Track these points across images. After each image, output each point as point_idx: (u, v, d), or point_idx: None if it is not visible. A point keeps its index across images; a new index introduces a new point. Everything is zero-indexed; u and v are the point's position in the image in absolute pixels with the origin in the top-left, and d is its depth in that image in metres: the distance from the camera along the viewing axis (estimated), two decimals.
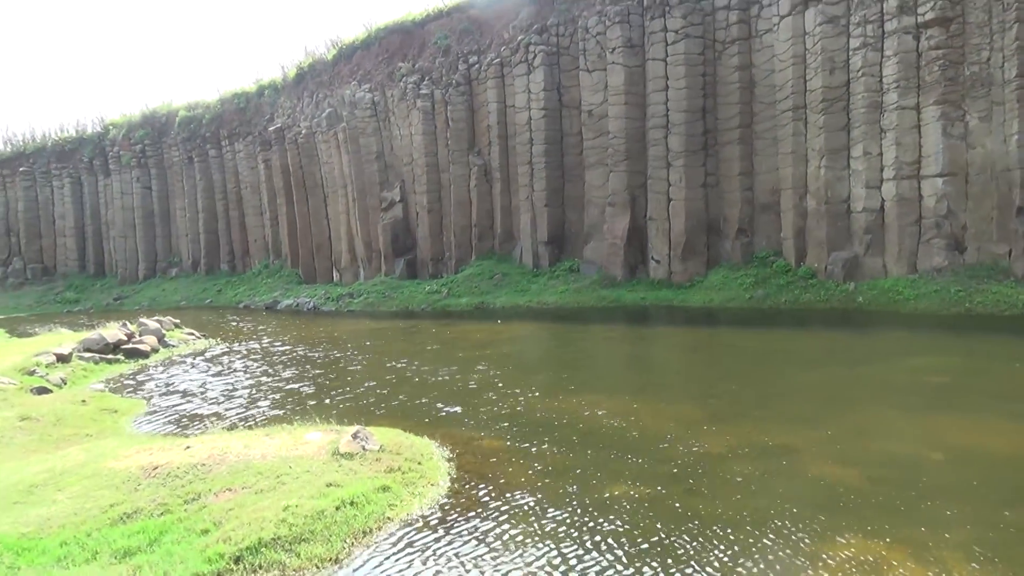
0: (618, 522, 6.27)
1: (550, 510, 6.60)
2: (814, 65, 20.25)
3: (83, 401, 12.26)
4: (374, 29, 32.45)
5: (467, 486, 7.28)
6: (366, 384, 12.98)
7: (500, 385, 11.96)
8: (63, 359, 15.95)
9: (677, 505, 6.57)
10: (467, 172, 27.95)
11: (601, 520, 6.33)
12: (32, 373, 14.55)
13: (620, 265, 23.61)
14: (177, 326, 21.63)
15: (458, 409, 10.59)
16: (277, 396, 12.55)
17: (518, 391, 11.45)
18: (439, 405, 10.93)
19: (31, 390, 13.36)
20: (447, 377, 13.04)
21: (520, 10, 26.96)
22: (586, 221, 25.15)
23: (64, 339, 18.42)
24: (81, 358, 16.53)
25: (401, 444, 8.20)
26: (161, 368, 16.45)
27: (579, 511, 6.55)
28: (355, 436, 7.93)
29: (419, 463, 7.71)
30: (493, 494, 7.04)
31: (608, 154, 24.15)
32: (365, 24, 34.05)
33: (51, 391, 13.56)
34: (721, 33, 22.60)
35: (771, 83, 21.75)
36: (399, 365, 14.72)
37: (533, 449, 8.44)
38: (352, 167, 30.96)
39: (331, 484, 6.73)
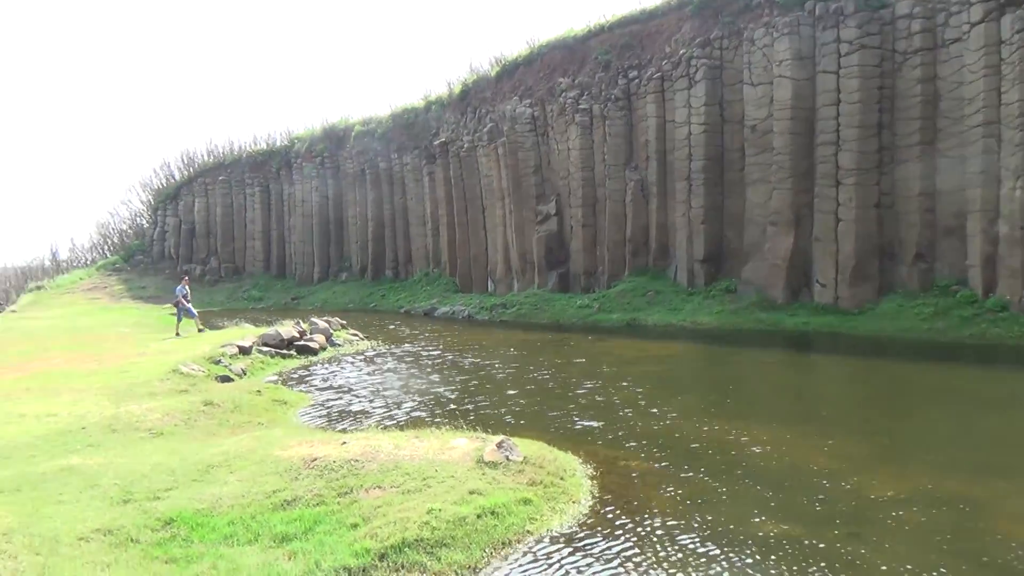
0: (765, 563, 5.95)
1: (693, 541, 6.37)
2: (1011, 76, 18.30)
3: (258, 392, 13.35)
4: (536, 46, 33.12)
5: (608, 507, 7.19)
6: (512, 393, 13.18)
7: (647, 404, 11.73)
8: (244, 351, 17.48)
9: (829, 550, 6.13)
10: (623, 187, 27.76)
11: (746, 558, 6.03)
12: (217, 363, 16.05)
13: (781, 287, 22.45)
14: (343, 327, 23.07)
15: (602, 425, 10.50)
16: (427, 399, 13.04)
17: (666, 412, 11.18)
18: (584, 420, 10.90)
19: (216, 378, 14.75)
20: (593, 393, 12.97)
21: (683, 24, 26.49)
22: (745, 240, 24.17)
23: (246, 333, 20.15)
24: (260, 351, 18.03)
25: (544, 457, 8.24)
26: (327, 365, 17.59)
27: (724, 545, 6.27)
28: (499, 446, 8.07)
29: (561, 478, 7.72)
30: (635, 518, 6.91)
31: (772, 171, 23.09)
32: (528, 41, 34.83)
33: (232, 380, 14.90)
34: (902, 43, 20.99)
35: (958, 96, 19.89)
36: (546, 377, 14.83)
37: (678, 474, 8.20)
38: (510, 180, 31.69)
39: (474, 491, 6.88)
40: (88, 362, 16.65)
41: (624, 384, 13.57)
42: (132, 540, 6.16)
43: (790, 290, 22.41)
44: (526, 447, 8.45)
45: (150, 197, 57.54)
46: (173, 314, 23.24)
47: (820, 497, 7.34)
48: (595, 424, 10.64)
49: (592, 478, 8.01)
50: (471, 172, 34.63)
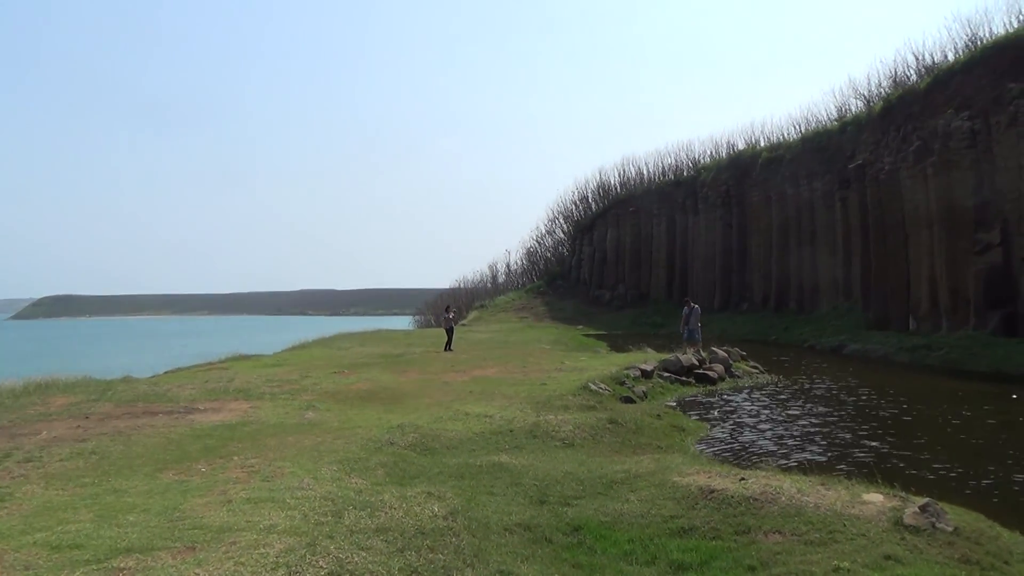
0: None
1: None
2: None
3: (658, 416, 13.80)
4: (979, 49, 28.66)
5: None
6: (936, 450, 11.48)
7: None
8: (646, 375, 18.22)
9: None
10: None
11: None
12: (622, 383, 17.00)
13: None
14: (743, 358, 22.61)
15: None
16: (834, 444, 12.05)
17: None
18: None
19: (619, 398, 15.64)
20: None
21: None
22: None
23: (648, 358, 20.99)
24: (660, 376, 18.63)
25: (982, 532, 7.00)
26: (725, 396, 17.42)
27: None
28: (924, 509, 7.09)
29: (1006, 562, 6.47)
30: None
31: None
32: (968, 43, 30.35)
33: (634, 401, 15.65)
34: None
35: None
36: (981, 435, 12.60)
37: None
38: (940, 205, 27.78)
39: (889, 557, 6.16)
40: (515, 372, 19.02)
41: None
42: (546, 539, 6.85)
43: None
44: (957, 516, 7.27)
45: (570, 227, 63.89)
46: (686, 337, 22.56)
47: None
48: None
49: None
50: (892, 197, 31.24)
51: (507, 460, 9.62)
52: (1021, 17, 28.05)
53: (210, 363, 22.44)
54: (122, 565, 5.24)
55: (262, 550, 5.58)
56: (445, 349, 25.49)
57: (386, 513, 6.83)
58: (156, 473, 8.39)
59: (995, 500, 8.73)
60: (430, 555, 5.91)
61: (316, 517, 6.53)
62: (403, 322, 74.74)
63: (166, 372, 21.24)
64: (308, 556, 5.51)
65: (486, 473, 8.97)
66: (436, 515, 6.93)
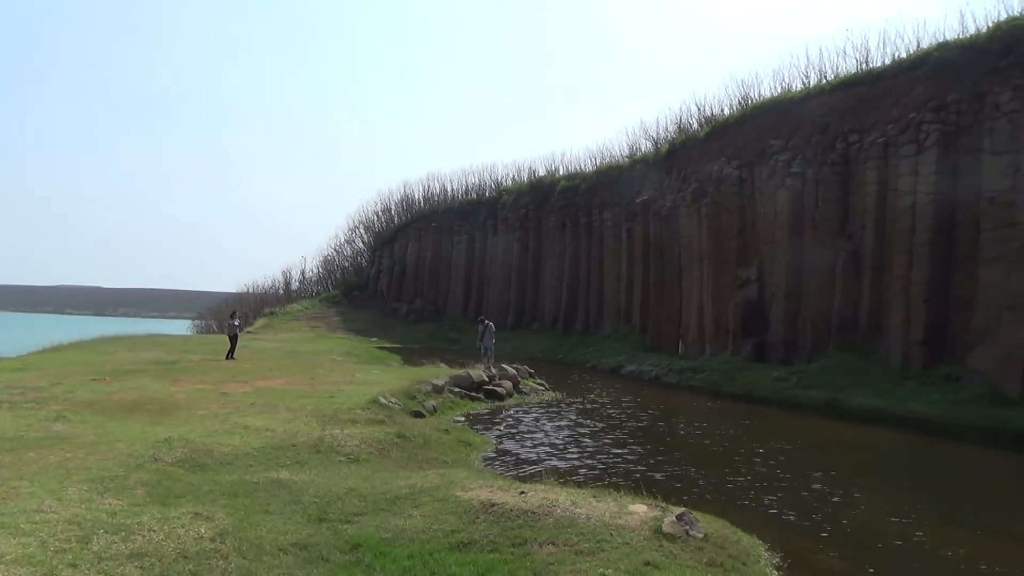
0: None
1: None
2: None
3: (446, 431, 13.91)
4: (749, 107, 32.42)
5: None
6: (695, 462, 12.65)
7: (847, 494, 10.73)
8: (437, 390, 18.32)
9: None
10: (833, 257, 26.04)
11: None
12: (412, 398, 16.94)
13: (1018, 380, 19.71)
14: (531, 375, 23.49)
15: (791, 511, 9.75)
16: (608, 458, 12.85)
17: (868, 506, 10.15)
18: (771, 502, 10.18)
19: (409, 412, 15.56)
20: (783, 473, 12.10)
21: (914, 87, 24.65)
22: (974, 324, 21.57)
23: (441, 372, 21.14)
24: (451, 391, 18.83)
25: (727, 538, 7.78)
26: (512, 412, 17.97)
27: None
28: (680, 518, 7.74)
29: (744, 564, 7.23)
30: None
31: (1013, 249, 20.55)
32: (740, 101, 34.22)
33: (424, 416, 15.65)
34: None
35: None
36: (732, 450, 14.08)
37: None
38: (711, 242, 30.95)
39: (649, 563, 6.64)
40: (303, 384, 18.29)
41: (820, 468, 12.53)
42: (323, 558, 6.60)
43: None
44: (707, 523, 8.03)
45: (371, 238, 62.82)
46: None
47: None
48: (784, 508, 9.89)
49: (778, 569, 7.43)
50: (671, 232, 34.28)
51: (287, 476, 9.19)
52: (784, 84, 32.17)
53: None
54: None
55: None
56: (227, 357, 23.95)
57: (144, 536, 6.22)
58: None
59: (737, 507, 9.76)
60: None
61: (57, 544, 5.79)
62: (182, 327, 69.12)
63: None
64: None
65: (263, 490, 8.49)
66: (202, 537, 6.42)
